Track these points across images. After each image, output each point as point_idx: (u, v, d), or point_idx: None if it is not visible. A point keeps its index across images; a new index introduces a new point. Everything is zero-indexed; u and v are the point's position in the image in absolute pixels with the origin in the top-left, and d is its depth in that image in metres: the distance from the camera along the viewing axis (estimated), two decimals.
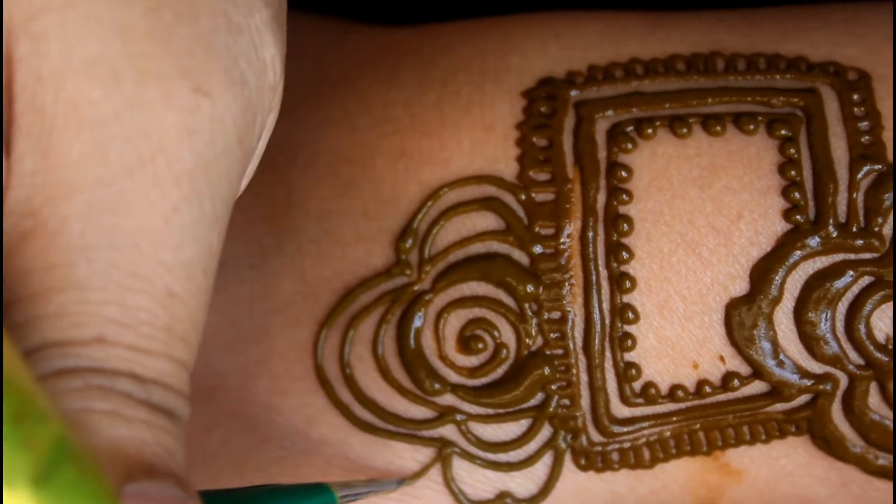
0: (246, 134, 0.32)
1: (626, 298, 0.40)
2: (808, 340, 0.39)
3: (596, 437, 0.40)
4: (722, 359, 0.40)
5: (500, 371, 0.40)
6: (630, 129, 0.40)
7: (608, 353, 0.40)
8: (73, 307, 0.29)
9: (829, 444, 0.40)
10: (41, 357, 0.29)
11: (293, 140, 0.43)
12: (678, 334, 0.40)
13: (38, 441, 0.26)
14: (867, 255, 0.39)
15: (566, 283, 0.40)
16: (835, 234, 0.39)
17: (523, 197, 0.40)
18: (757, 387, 0.40)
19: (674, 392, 0.40)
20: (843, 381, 0.40)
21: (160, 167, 0.30)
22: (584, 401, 0.40)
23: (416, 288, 0.41)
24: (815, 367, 0.40)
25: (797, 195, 0.39)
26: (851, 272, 0.39)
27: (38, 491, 0.25)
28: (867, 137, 0.40)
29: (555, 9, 0.44)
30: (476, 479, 0.41)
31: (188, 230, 0.30)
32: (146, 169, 0.30)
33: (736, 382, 0.40)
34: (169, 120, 0.30)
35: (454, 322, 0.40)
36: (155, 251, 0.30)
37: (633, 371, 0.40)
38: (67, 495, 0.26)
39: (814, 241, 0.39)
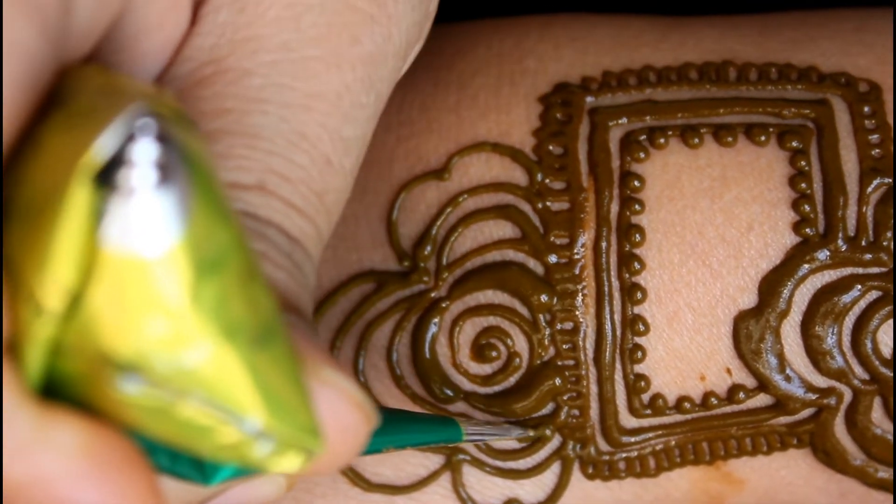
0: (407, 46, 0.33)
1: (636, 309, 0.40)
2: (814, 354, 0.40)
3: (604, 446, 0.40)
4: (729, 371, 0.40)
5: (512, 380, 0.40)
6: (643, 137, 0.40)
7: (618, 365, 0.40)
8: (240, 150, 0.30)
9: (830, 457, 0.40)
10: None
11: None
12: (687, 346, 0.40)
13: (261, 305, 0.26)
14: (875, 270, 0.39)
15: (579, 294, 0.40)
16: (844, 248, 0.39)
17: (539, 206, 0.40)
18: (762, 399, 0.40)
19: (681, 404, 0.40)
20: (847, 395, 0.40)
21: (343, 45, 0.31)
22: (594, 412, 0.40)
23: (432, 295, 0.41)
24: (820, 381, 0.40)
25: (807, 208, 0.39)
26: (859, 286, 0.39)
27: (254, 353, 0.25)
28: (878, 150, 0.40)
29: (565, 9, 0.44)
30: (485, 486, 0.41)
31: (353, 111, 0.32)
32: (331, 43, 0.31)
33: (741, 395, 0.40)
34: (358, 4, 0.32)
35: (469, 330, 0.40)
36: (323, 119, 0.31)
37: (643, 383, 0.40)
38: (274, 367, 0.26)
39: (823, 255, 0.39)
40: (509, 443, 0.41)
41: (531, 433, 0.40)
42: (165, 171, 0.23)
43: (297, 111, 0.31)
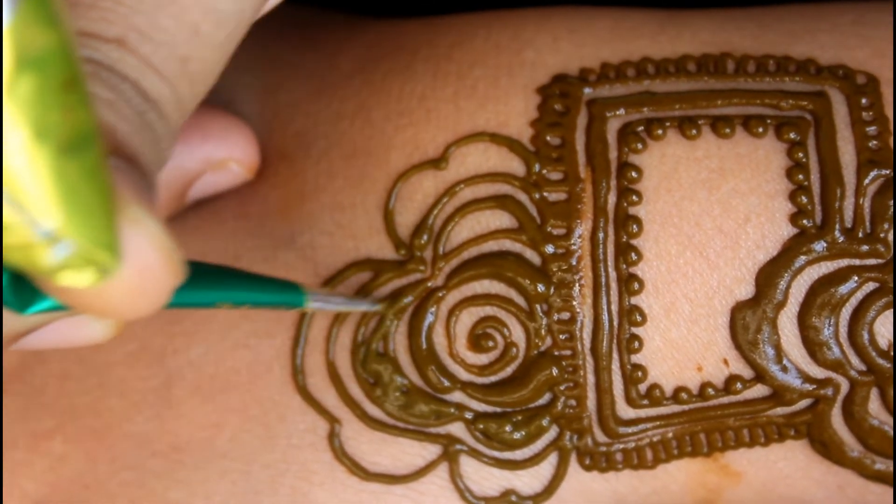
0: None
1: (633, 300, 0.40)
2: (811, 345, 0.40)
3: (601, 437, 0.41)
4: (726, 362, 0.40)
5: (508, 370, 0.41)
6: (640, 129, 0.40)
7: (615, 355, 0.40)
8: (105, 3, 0.30)
9: (828, 449, 0.40)
10: None
11: (307, 133, 0.43)
12: (684, 337, 0.40)
13: (78, 116, 0.26)
14: (872, 261, 0.40)
15: (576, 284, 0.40)
16: (841, 240, 0.40)
17: (537, 196, 0.40)
18: (759, 390, 0.40)
19: (678, 394, 0.40)
20: (844, 386, 0.40)
21: None
22: (591, 402, 0.40)
23: (429, 284, 0.41)
24: (817, 372, 0.40)
25: (804, 199, 0.39)
26: (856, 277, 0.39)
27: (61, 159, 0.26)
28: (875, 142, 0.40)
29: (563, 1, 0.44)
30: (482, 477, 0.41)
31: None
32: None
33: (738, 386, 0.40)
34: None
35: (466, 319, 0.41)
36: None
37: (640, 373, 0.40)
38: (81, 179, 0.26)
39: (819, 246, 0.40)
40: (507, 434, 0.41)
41: (378, 307, 0.40)
42: None
43: None
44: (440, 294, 0.41)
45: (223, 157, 0.42)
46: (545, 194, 0.40)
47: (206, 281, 0.35)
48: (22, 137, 0.25)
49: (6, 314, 0.31)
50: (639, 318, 0.40)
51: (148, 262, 0.29)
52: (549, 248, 0.40)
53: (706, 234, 0.40)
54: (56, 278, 0.27)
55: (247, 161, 0.42)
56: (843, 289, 0.39)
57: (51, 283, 0.28)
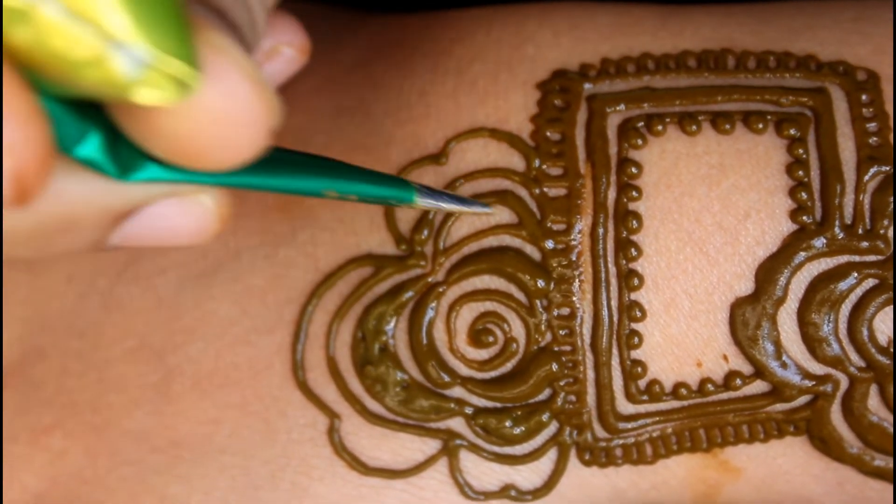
0: None
1: (633, 296, 0.40)
2: (811, 341, 0.40)
3: (601, 433, 0.41)
4: (725, 358, 0.40)
5: (508, 365, 0.41)
6: (640, 124, 0.40)
7: (615, 351, 0.40)
8: None
9: (827, 445, 0.40)
10: None
11: (307, 128, 0.43)
12: (684, 332, 0.40)
13: None
14: (872, 258, 0.40)
15: (576, 280, 0.40)
16: (840, 236, 0.40)
17: (537, 191, 0.40)
18: (758, 386, 0.40)
19: (677, 390, 0.40)
20: (844, 382, 0.40)
21: None
22: (591, 397, 0.40)
23: (429, 279, 0.41)
24: (817, 368, 0.40)
25: (804, 196, 0.39)
26: (856, 274, 0.39)
27: None
28: (875, 139, 0.40)
29: None
30: (482, 472, 0.41)
31: None
32: None
33: (738, 382, 0.40)
34: None
35: (466, 315, 0.41)
36: None
37: (639, 369, 0.40)
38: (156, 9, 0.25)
39: (819, 243, 0.40)
40: (507, 430, 0.41)
41: (489, 209, 0.38)
42: None
43: None
44: (441, 289, 0.41)
45: (272, 44, 0.41)
46: (545, 190, 0.40)
47: (313, 167, 0.33)
48: None
49: (105, 185, 0.29)
50: (638, 314, 0.40)
51: (235, 87, 0.27)
52: (549, 244, 0.40)
53: (706, 230, 0.40)
54: (134, 96, 0.26)
55: (297, 43, 0.41)
56: (843, 285, 0.39)
57: (135, 112, 0.27)
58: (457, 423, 0.41)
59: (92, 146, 0.28)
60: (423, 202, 0.36)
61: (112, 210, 0.31)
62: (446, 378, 0.41)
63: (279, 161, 0.31)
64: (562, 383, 0.40)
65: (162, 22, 0.25)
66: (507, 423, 0.41)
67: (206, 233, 0.32)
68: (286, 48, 0.40)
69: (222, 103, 0.27)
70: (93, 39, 0.25)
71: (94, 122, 0.29)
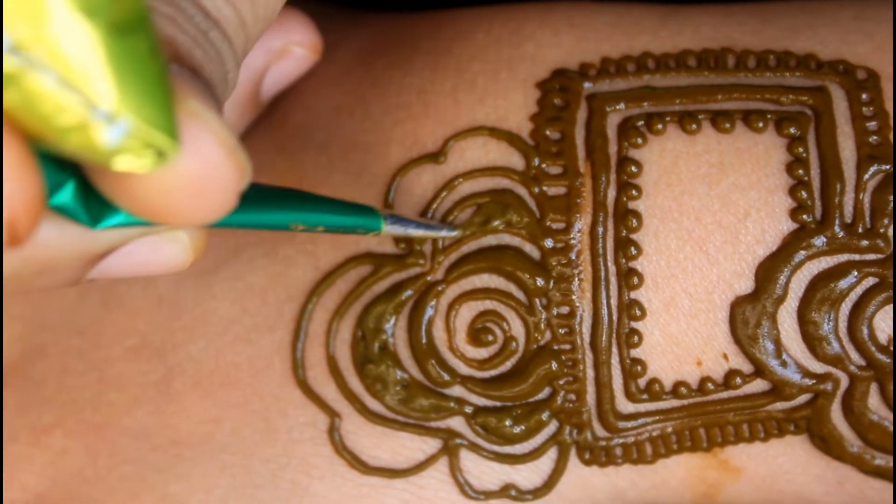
0: None
1: (633, 294, 0.40)
2: (811, 340, 0.40)
3: (600, 432, 0.41)
4: (725, 356, 0.40)
5: (508, 364, 0.41)
6: (640, 123, 0.40)
7: (615, 350, 0.40)
8: None
9: (827, 444, 0.40)
10: None
11: (306, 126, 0.43)
12: (683, 331, 0.40)
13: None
14: (872, 256, 0.40)
15: (575, 278, 0.40)
16: (840, 235, 0.39)
17: (536, 190, 0.40)
18: (758, 385, 0.40)
19: (677, 389, 0.40)
20: (844, 381, 0.40)
21: None
22: (590, 396, 0.40)
23: (429, 278, 0.41)
24: (817, 367, 0.40)
25: (804, 194, 0.39)
26: (856, 272, 0.39)
27: (112, 37, 0.25)
28: (875, 137, 0.40)
29: None
30: (482, 471, 0.41)
31: None
32: None
33: (738, 380, 0.40)
34: None
35: (465, 313, 0.41)
36: None
37: (639, 368, 0.40)
38: (135, 60, 0.26)
39: (819, 241, 0.39)
40: (507, 429, 0.41)
41: (456, 233, 0.39)
42: None
43: None
44: (440, 288, 0.41)
45: (283, 43, 0.41)
46: (544, 188, 0.40)
47: (279, 201, 0.34)
48: (68, 9, 0.25)
49: (79, 231, 0.30)
50: (638, 313, 0.40)
51: (209, 154, 0.28)
52: (549, 243, 0.40)
53: (706, 228, 0.40)
54: (113, 163, 0.26)
55: (308, 42, 0.41)
56: (843, 284, 0.39)
57: (111, 175, 0.27)
58: (457, 423, 0.41)
59: (66, 194, 0.29)
60: (391, 230, 0.37)
61: (86, 254, 0.31)
62: (446, 377, 0.41)
63: (245, 197, 0.31)
64: (561, 382, 0.40)
65: (147, 92, 0.26)
66: (507, 422, 0.41)
67: (181, 265, 0.33)
68: (297, 48, 0.40)
69: (196, 170, 0.28)
70: (78, 107, 0.25)
71: (68, 171, 0.29)
